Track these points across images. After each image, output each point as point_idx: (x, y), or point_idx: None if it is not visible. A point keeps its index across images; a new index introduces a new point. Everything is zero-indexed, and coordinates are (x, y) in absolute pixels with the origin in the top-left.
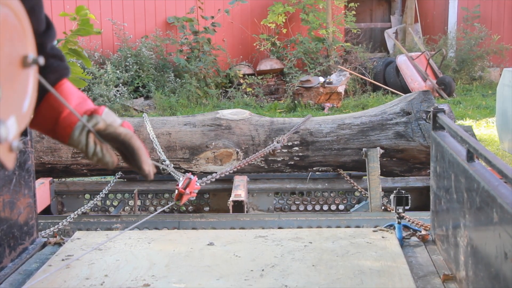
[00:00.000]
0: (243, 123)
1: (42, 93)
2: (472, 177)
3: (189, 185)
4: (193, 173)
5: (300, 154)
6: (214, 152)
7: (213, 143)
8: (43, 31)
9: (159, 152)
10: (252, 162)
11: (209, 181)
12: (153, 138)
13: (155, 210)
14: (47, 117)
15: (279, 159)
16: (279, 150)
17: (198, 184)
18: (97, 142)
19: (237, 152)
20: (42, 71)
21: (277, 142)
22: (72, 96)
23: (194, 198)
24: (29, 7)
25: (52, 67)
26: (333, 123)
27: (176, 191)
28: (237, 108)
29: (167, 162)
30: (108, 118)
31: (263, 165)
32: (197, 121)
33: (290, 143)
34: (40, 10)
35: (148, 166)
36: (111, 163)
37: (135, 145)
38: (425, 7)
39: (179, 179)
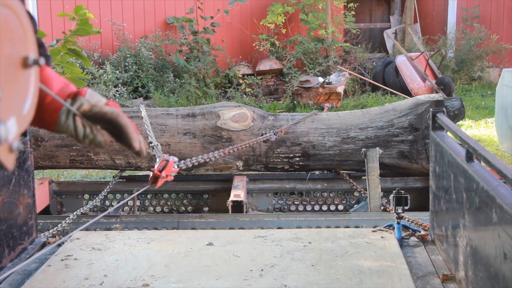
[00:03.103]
0: (245, 133)
1: None
2: (471, 177)
3: (166, 167)
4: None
5: (301, 163)
6: (214, 166)
7: (213, 159)
8: None
9: (150, 137)
10: (244, 147)
11: (191, 164)
12: (147, 125)
13: (155, 210)
14: None
15: (279, 166)
16: (273, 140)
17: (176, 167)
18: (85, 125)
19: (237, 166)
20: None
21: (275, 134)
22: (53, 82)
23: (171, 181)
24: None
25: None
26: (338, 135)
27: (151, 173)
28: (239, 108)
29: (154, 143)
30: (92, 98)
31: (263, 170)
32: (197, 130)
33: (291, 155)
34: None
35: (138, 143)
36: (103, 143)
37: (122, 122)
38: (424, 7)
39: (156, 159)
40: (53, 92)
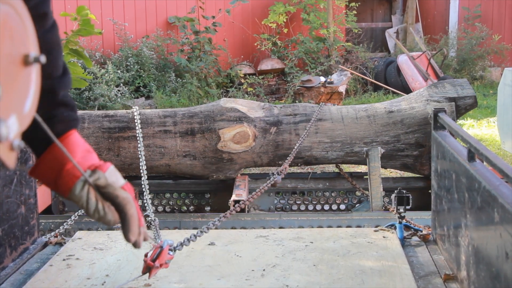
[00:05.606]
0: (246, 154)
1: (46, 142)
2: (473, 176)
3: (160, 256)
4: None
5: (303, 166)
6: (216, 178)
7: (214, 176)
8: (57, 77)
9: (145, 201)
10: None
11: (189, 244)
12: (141, 158)
13: (156, 210)
14: (50, 169)
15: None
16: (280, 182)
17: (172, 254)
18: (98, 199)
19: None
20: (50, 119)
21: (278, 174)
22: (77, 149)
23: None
24: (46, 50)
25: (61, 117)
26: (341, 150)
27: (144, 263)
28: (240, 124)
29: (152, 217)
30: (111, 177)
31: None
32: (197, 152)
33: (293, 164)
34: (58, 55)
35: (134, 237)
36: (112, 222)
37: (128, 213)
38: (426, 6)
39: (152, 242)
40: (75, 160)
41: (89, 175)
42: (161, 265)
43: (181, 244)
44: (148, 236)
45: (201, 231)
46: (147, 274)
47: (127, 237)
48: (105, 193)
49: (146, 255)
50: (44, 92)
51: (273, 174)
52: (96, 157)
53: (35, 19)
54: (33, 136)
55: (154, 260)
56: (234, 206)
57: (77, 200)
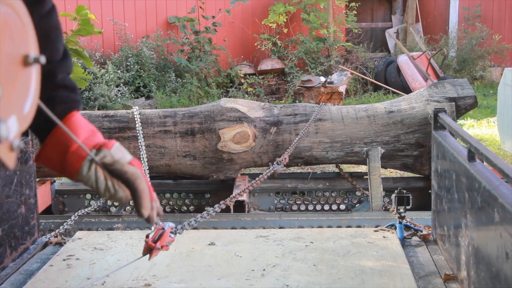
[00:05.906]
0: (246, 154)
1: (49, 126)
2: (473, 176)
3: (161, 238)
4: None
5: (303, 166)
6: (216, 179)
7: (214, 176)
8: (57, 60)
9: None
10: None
11: (190, 228)
12: (142, 156)
13: None
14: (55, 152)
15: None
16: (279, 172)
17: (173, 236)
18: (107, 177)
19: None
20: (50, 102)
21: (277, 164)
22: (81, 129)
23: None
24: (43, 34)
25: (61, 98)
26: (341, 150)
27: (145, 244)
28: (240, 124)
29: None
30: (117, 153)
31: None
32: (197, 152)
33: (293, 164)
34: (57, 39)
35: (147, 212)
36: (124, 198)
37: (138, 187)
38: (426, 6)
39: (153, 225)
40: (79, 140)
41: (94, 154)
42: (162, 247)
43: (182, 228)
44: (161, 211)
45: (201, 217)
46: (147, 256)
47: (139, 213)
48: (113, 170)
49: (147, 236)
50: (43, 75)
51: (274, 164)
52: (101, 137)
53: (31, 4)
54: (35, 121)
55: (155, 242)
56: (232, 200)
57: (86, 181)
